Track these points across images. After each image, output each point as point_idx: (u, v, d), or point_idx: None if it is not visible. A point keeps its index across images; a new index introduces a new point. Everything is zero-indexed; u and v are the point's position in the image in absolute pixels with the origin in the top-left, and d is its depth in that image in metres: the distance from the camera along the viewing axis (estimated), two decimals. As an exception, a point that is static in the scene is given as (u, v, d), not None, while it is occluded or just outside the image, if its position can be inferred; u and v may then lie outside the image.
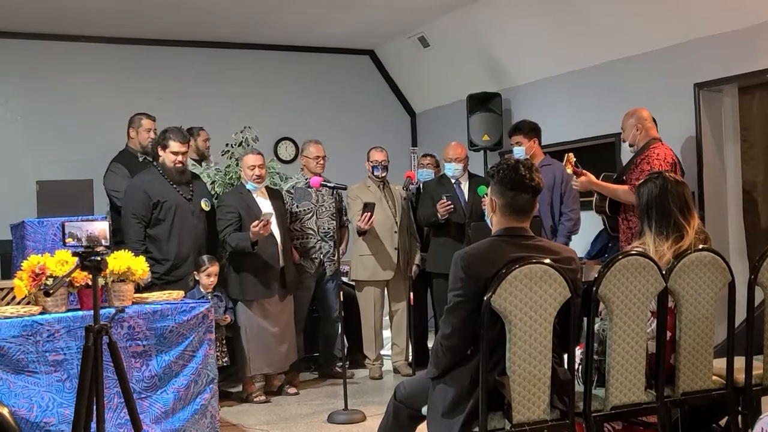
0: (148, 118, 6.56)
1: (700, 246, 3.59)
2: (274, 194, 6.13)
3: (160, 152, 5.74)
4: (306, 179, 6.37)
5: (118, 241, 6.13)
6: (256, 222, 5.58)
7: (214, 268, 5.71)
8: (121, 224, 5.78)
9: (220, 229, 5.82)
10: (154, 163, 5.88)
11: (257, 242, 5.69)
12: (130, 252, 5.20)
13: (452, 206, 6.18)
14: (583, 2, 6.73)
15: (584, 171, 5.31)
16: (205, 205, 5.87)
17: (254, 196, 5.95)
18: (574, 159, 5.30)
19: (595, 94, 7.11)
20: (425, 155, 7.31)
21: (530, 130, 6.15)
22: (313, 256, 6.34)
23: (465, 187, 6.46)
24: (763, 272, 3.67)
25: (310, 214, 6.36)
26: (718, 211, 6.21)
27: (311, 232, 6.35)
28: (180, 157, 5.70)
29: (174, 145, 5.68)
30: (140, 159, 6.36)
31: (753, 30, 5.70)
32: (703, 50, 6.09)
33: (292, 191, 6.37)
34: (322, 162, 6.39)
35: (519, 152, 6.06)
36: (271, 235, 5.86)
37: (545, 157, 6.19)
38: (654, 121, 5.38)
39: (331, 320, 6.54)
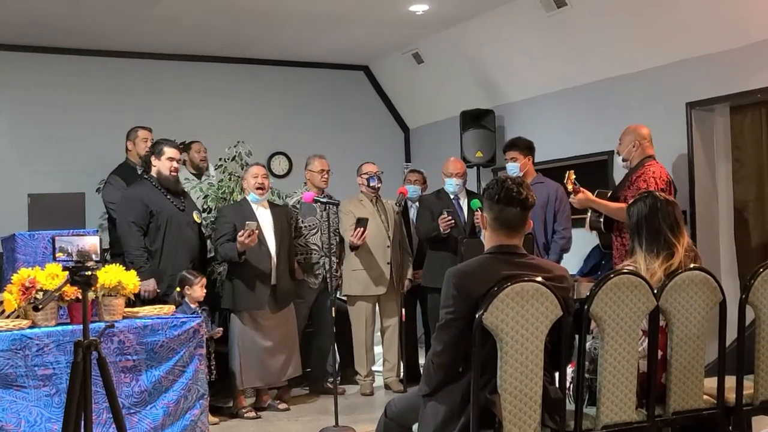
0: (144, 129, 6.64)
1: (691, 265, 3.60)
2: (276, 208, 6.12)
3: (154, 162, 5.77)
4: None
5: (115, 253, 6.13)
6: (242, 232, 5.60)
7: (204, 279, 5.70)
8: (118, 234, 5.78)
9: (214, 239, 5.86)
10: (146, 176, 5.88)
11: (245, 252, 5.69)
12: (132, 263, 5.23)
13: (453, 221, 6.19)
14: (576, 20, 6.77)
15: (582, 188, 5.32)
16: (197, 217, 5.89)
17: (254, 208, 5.94)
18: (574, 176, 5.32)
19: (587, 112, 7.14)
20: (412, 171, 7.31)
21: (525, 147, 6.16)
22: (317, 271, 6.33)
23: (464, 203, 6.47)
24: (754, 292, 3.68)
25: (315, 230, 6.37)
26: (709, 230, 6.22)
27: (315, 247, 6.35)
28: (175, 163, 5.75)
29: (169, 151, 5.73)
30: (139, 171, 6.38)
31: (745, 50, 5.74)
32: (695, 70, 6.12)
33: (298, 206, 6.37)
34: (326, 176, 6.41)
35: (513, 168, 6.07)
36: (266, 248, 5.86)
37: (538, 175, 6.21)
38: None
39: (326, 335, 6.52)
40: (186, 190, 6.18)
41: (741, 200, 6.17)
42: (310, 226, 6.35)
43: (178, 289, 5.62)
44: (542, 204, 5.92)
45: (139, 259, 5.51)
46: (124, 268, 4.69)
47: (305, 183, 6.51)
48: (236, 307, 5.87)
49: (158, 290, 5.58)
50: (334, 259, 6.33)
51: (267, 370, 5.93)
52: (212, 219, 6.33)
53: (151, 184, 5.76)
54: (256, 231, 5.68)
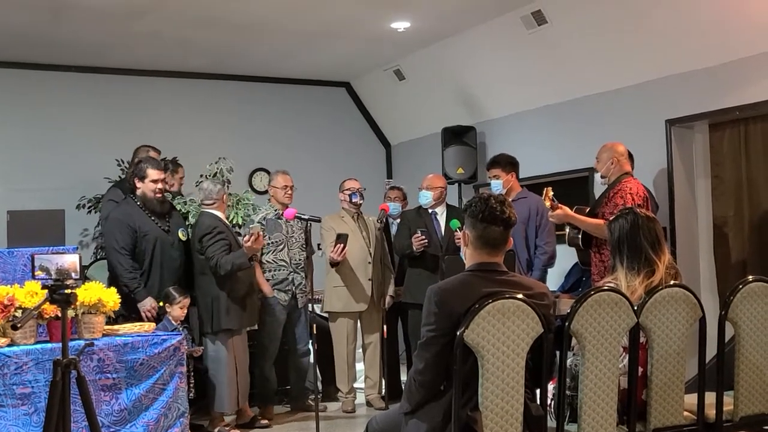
0: (155, 150, 6.59)
1: (671, 281, 3.61)
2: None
3: (138, 184, 5.69)
4: (275, 210, 6.35)
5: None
6: (247, 237, 5.56)
7: (187, 300, 5.65)
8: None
9: (211, 254, 5.68)
10: (131, 196, 5.83)
11: (252, 258, 5.67)
12: (126, 286, 5.27)
13: (426, 240, 6.19)
14: (557, 38, 6.82)
15: (560, 204, 5.34)
16: (182, 234, 5.82)
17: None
18: (552, 193, 5.34)
19: (568, 129, 7.18)
20: (392, 188, 7.31)
21: (508, 163, 6.17)
22: (286, 287, 6.31)
23: (442, 218, 6.47)
24: (733, 308, 3.71)
25: (281, 246, 6.33)
26: (689, 246, 6.26)
27: (284, 263, 6.32)
28: (160, 185, 5.67)
29: (152, 173, 5.65)
30: None
31: (723, 68, 5.80)
32: (674, 87, 6.18)
33: (264, 222, 6.33)
34: (290, 192, 6.38)
35: (496, 186, 6.08)
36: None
37: (522, 190, 6.21)
38: (631, 156, 5.43)
39: (300, 352, 6.49)
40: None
41: (720, 216, 6.21)
42: (276, 242, 6.31)
43: (161, 303, 5.59)
44: (524, 219, 5.91)
45: (132, 281, 5.46)
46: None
47: (269, 199, 6.49)
48: (242, 326, 5.82)
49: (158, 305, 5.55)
50: (303, 274, 6.32)
51: (246, 386, 5.97)
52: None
53: (137, 205, 5.70)
54: (261, 233, 5.65)
